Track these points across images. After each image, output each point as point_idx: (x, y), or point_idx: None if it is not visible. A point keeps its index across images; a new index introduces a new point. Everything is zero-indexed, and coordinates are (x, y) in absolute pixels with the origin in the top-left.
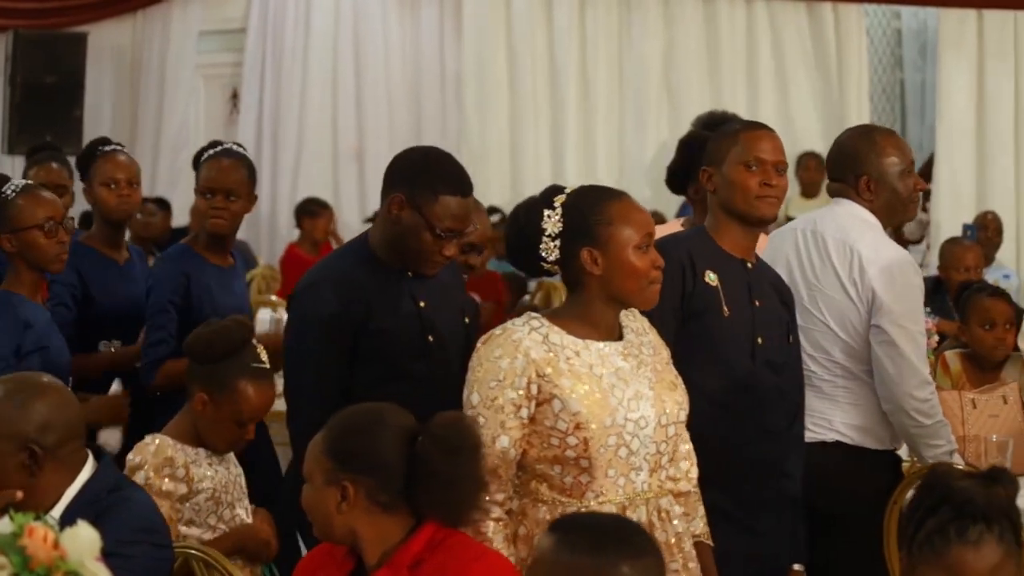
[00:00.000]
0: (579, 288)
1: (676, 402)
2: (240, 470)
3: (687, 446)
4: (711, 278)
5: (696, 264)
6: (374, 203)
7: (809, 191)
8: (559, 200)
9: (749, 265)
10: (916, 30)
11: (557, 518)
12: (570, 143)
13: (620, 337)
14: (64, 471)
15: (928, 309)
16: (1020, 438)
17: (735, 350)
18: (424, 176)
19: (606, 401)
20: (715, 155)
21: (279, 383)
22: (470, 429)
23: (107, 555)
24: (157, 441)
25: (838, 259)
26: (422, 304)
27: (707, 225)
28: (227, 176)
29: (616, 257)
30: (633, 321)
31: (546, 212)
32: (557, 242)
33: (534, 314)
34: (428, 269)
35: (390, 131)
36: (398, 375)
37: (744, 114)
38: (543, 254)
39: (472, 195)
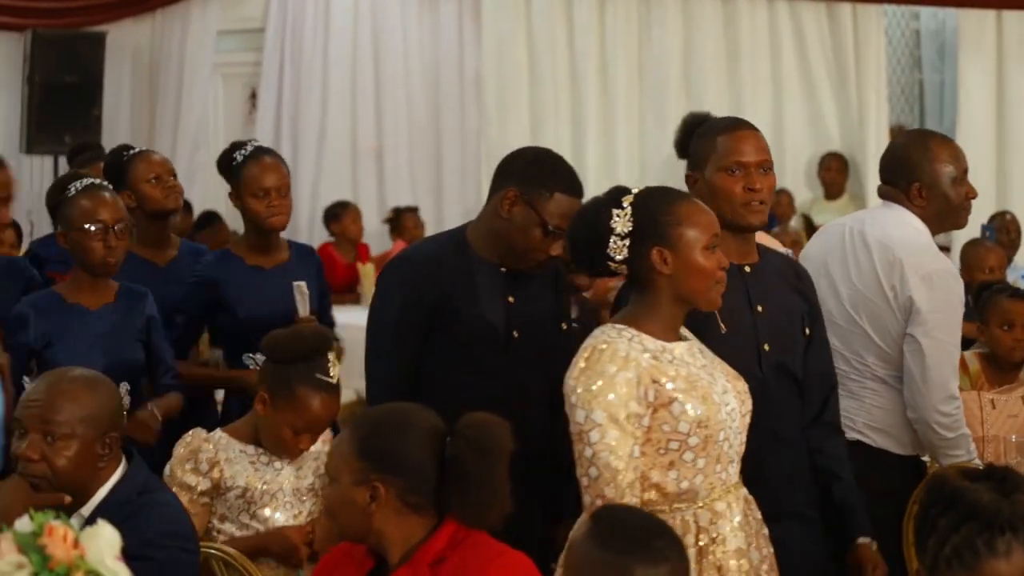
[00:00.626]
0: (648, 289)
1: (746, 391)
2: (305, 475)
3: None
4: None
5: None
6: (393, 201)
7: (832, 192)
8: (628, 200)
9: (747, 268)
10: (935, 30)
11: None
12: (590, 142)
13: (685, 337)
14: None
15: None
16: None
17: (738, 363)
18: (540, 173)
19: (712, 397)
20: (696, 159)
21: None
22: (501, 430)
23: (133, 558)
24: (194, 432)
25: (880, 264)
26: (511, 299)
27: None
28: (277, 173)
29: (685, 257)
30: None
31: (615, 211)
32: (626, 241)
33: (618, 324)
34: (529, 266)
35: (409, 130)
36: (471, 366)
37: (765, 115)
38: (611, 253)
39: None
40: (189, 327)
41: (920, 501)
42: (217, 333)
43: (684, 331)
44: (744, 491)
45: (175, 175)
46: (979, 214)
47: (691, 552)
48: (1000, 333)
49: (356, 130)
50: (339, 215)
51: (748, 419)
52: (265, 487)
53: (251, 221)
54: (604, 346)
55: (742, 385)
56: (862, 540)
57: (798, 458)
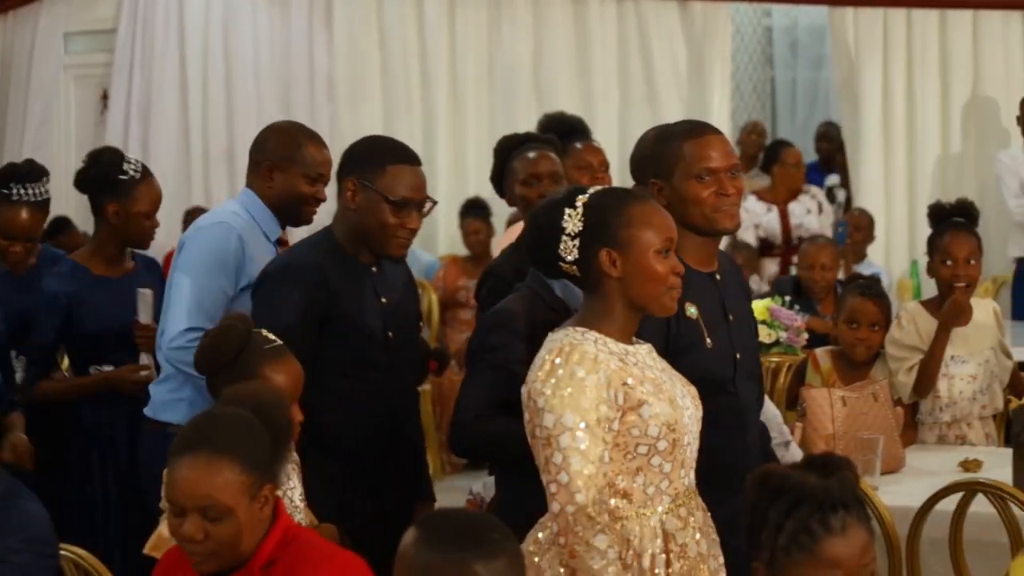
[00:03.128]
0: (597, 291)
1: (698, 397)
2: (296, 485)
3: None
4: (691, 312)
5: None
6: None
7: None
8: (581, 200)
9: (718, 277)
10: (786, 28)
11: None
12: (441, 141)
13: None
14: None
15: (797, 307)
16: (890, 436)
17: (721, 375)
18: (368, 154)
19: (676, 400)
20: (661, 167)
21: None
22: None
23: None
24: None
25: None
26: (384, 300)
27: None
28: (160, 195)
29: (635, 261)
30: None
31: (567, 211)
32: (576, 241)
33: (579, 327)
34: (395, 249)
35: (260, 130)
36: (364, 364)
37: (614, 113)
38: (562, 253)
39: (421, 165)
40: (47, 346)
41: (747, 498)
42: (65, 343)
43: (635, 338)
44: (699, 499)
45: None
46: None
47: (660, 559)
48: (846, 330)
49: (207, 131)
50: (188, 222)
51: (700, 425)
52: None
53: (128, 237)
54: (568, 348)
55: (694, 391)
56: None
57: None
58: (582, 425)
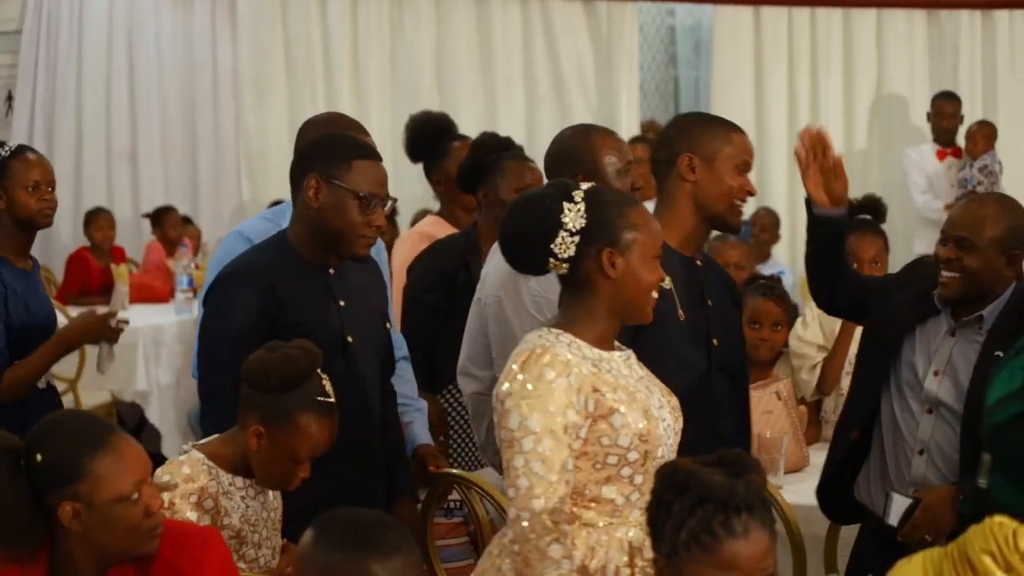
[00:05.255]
0: (586, 293)
1: (679, 409)
2: (279, 505)
3: None
4: (665, 282)
5: None
6: (148, 202)
7: None
8: (579, 195)
9: (698, 263)
10: (690, 27)
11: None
12: None
13: (623, 348)
14: None
15: None
16: (794, 434)
17: (692, 354)
18: (330, 150)
19: (651, 411)
20: (702, 146)
21: None
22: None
23: None
24: (190, 462)
25: None
26: (342, 303)
27: (656, 215)
28: (45, 167)
29: (633, 265)
30: None
31: (567, 205)
32: (576, 239)
33: (553, 329)
34: (361, 248)
35: (163, 131)
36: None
37: (517, 113)
38: (556, 249)
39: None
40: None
41: (653, 489)
42: None
43: (617, 343)
44: None
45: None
46: None
47: (624, 572)
48: (749, 330)
49: (111, 131)
50: (89, 222)
51: (679, 437)
52: (254, 525)
53: (20, 218)
54: (540, 351)
55: (675, 402)
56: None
57: None
58: (547, 430)
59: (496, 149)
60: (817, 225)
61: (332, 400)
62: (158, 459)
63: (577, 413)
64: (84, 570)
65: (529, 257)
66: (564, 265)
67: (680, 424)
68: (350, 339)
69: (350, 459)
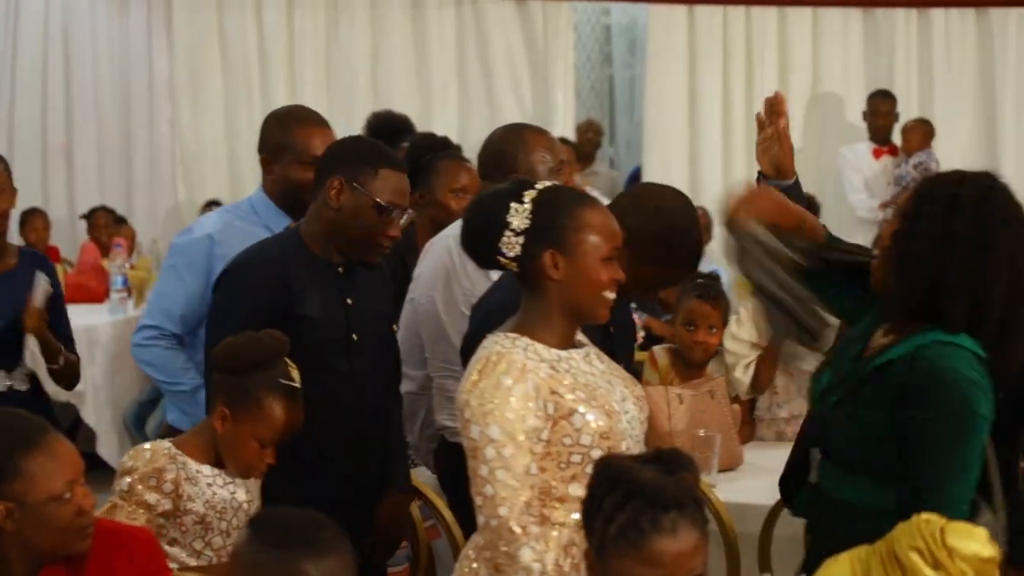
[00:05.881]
0: (537, 293)
1: (643, 397)
2: (254, 497)
3: None
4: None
5: None
6: (83, 202)
7: None
8: (530, 195)
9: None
10: (626, 26)
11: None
12: None
13: (581, 344)
14: None
15: (634, 306)
16: (727, 433)
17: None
18: (359, 155)
19: (612, 406)
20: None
21: None
22: None
23: None
24: (154, 447)
25: None
26: (349, 302)
27: None
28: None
29: (579, 265)
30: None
31: (513, 205)
32: (520, 238)
33: (510, 333)
34: (372, 254)
35: (98, 132)
36: (324, 368)
37: (452, 114)
38: (503, 248)
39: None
40: None
41: (588, 483)
42: None
43: (581, 337)
44: None
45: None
46: None
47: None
48: (684, 331)
49: (46, 132)
50: (24, 223)
51: (645, 426)
52: (221, 513)
53: None
54: (495, 358)
55: (639, 391)
56: None
57: None
58: (507, 437)
59: (432, 149)
60: None
61: (297, 385)
62: (93, 459)
63: (537, 417)
64: (17, 569)
65: (482, 254)
66: (513, 264)
67: (646, 413)
68: (355, 337)
69: (347, 458)
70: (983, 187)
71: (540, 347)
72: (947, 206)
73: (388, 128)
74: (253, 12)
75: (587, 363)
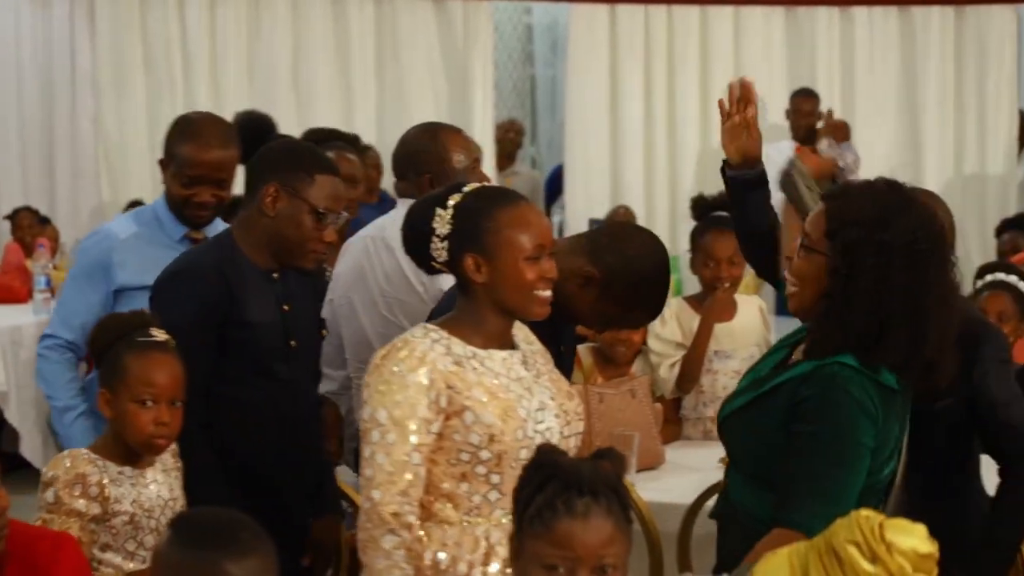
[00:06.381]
0: (467, 293)
1: (576, 412)
2: (179, 494)
3: None
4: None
5: None
6: (6, 202)
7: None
8: (454, 199)
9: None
10: (547, 25)
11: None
12: None
13: (514, 346)
14: None
15: None
16: (648, 432)
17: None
18: (295, 161)
19: (516, 412)
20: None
21: None
22: None
23: None
24: (72, 455)
25: (406, 262)
26: (286, 308)
27: None
28: None
29: (503, 267)
30: (519, 330)
31: (438, 211)
32: (445, 244)
33: (429, 325)
34: (308, 261)
35: (20, 131)
36: (267, 374)
37: (372, 112)
38: (433, 253)
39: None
40: None
41: (522, 475)
42: None
43: (523, 339)
44: None
45: None
46: (593, 208)
47: (476, 572)
48: (608, 334)
49: None
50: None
51: (575, 440)
52: (149, 511)
53: None
54: (400, 344)
55: (572, 405)
56: None
57: None
58: (392, 423)
59: (317, 142)
60: (733, 189)
61: (156, 338)
62: (16, 460)
63: (428, 408)
64: None
65: (419, 260)
66: (445, 268)
67: (576, 428)
68: (293, 344)
69: (282, 466)
70: (909, 231)
71: (456, 342)
72: (880, 257)
73: (253, 128)
74: (176, 8)
75: (506, 366)
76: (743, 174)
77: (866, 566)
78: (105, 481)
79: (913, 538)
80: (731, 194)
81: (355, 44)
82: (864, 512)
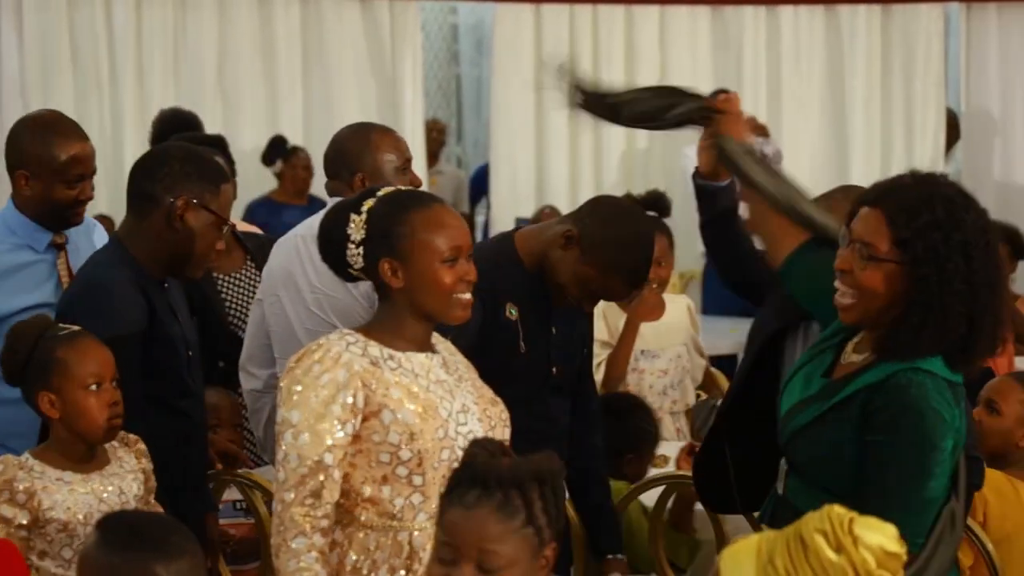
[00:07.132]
0: (386, 299)
1: (501, 418)
2: (141, 495)
3: None
4: (511, 313)
5: (498, 296)
6: None
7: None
8: (367, 205)
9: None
10: (473, 25)
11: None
12: (128, 137)
13: (435, 351)
14: None
15: None
16: None
17: (529, 384)
18: (199, 173)
19: (436, 412)
20: None
21: None
22: None
23: None
24: (3, 460)
25: None
26: (180, 319)
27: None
28: None
29: (418, 271)
30: (440, 342)
31: (352, 217)
32: (360, 250)
33: (346, 330)
34: (199, 272)
35: None
36: (183, 392)
37: (298, 113)
38: (350, 260)
39: None
40: None
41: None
42: None
43: (441, 345)
44: None
45: None
46: (518, 207)
47: (399, 575)
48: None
49: None
50: None
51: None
52: (86, 519)
53: None
54: (315, 347)
55: (496, 411)
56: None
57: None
58: (306, 424)
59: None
60: (703, 199)
61: (74, 327)
62: None
63: (343, 408)
64: None
65: (336, 267)
66: (362, 275)
67: (500, 433)
68: (191, 353)
69: (193, 477)
70: (980, 227)
71: (372, 344)
72: (964, 258)
73: (179, 126)
74: (102, 9)
75: (425, 368)
76: (710, 185)
77: (830, 555)
78: (36, 488)
79: (881, 536)
80: (699, 202)
81: (281, 44)
82: (837, 507)
